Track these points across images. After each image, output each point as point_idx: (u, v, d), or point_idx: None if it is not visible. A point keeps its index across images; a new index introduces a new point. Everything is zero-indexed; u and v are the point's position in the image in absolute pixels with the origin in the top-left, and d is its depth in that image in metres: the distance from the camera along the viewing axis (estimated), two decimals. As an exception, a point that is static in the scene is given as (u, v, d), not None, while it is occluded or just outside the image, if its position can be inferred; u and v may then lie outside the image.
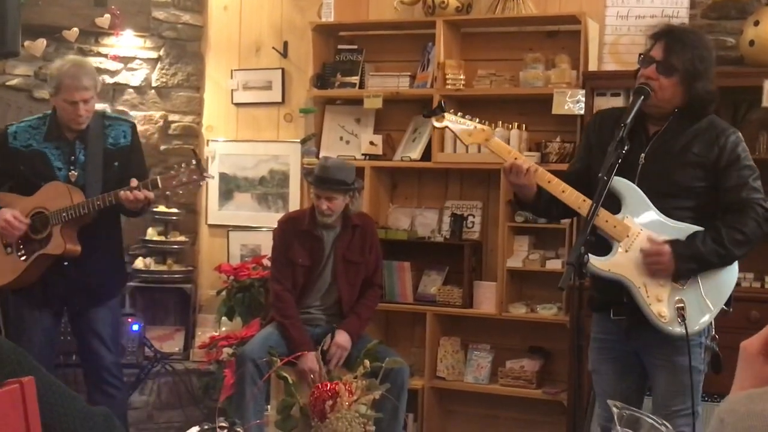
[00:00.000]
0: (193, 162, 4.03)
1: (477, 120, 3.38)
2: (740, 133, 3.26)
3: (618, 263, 3.17)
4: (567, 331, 4.74)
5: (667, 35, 3.21)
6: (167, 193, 4.13)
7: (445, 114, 3.38)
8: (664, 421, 1.93)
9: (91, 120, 4.15)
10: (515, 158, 3.28)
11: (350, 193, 4.49)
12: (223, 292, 5.29)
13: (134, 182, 3.99)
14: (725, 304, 3.19)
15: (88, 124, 4.15)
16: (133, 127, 4.35)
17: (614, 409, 1.91)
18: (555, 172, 3.33)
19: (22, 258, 4.11)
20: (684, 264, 3.13)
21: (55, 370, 4.38)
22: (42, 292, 4.17)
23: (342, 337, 4.40)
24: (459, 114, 3.38)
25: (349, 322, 4.49)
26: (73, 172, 4.14)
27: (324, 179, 4.44)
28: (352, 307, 4.54)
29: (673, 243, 3.14)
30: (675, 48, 3.17)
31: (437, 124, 3.46)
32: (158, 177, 4.07)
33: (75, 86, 4.04)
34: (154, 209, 5.42)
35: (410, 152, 5.19)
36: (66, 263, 4.13)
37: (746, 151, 3.23)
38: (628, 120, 3.09)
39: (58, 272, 4.13)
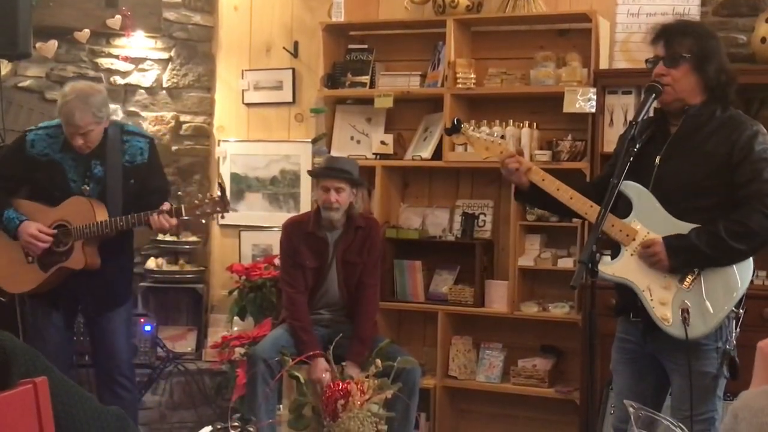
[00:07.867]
0: (218, 193, 4.11)
1: (494, 134, 3.41)
2: (762, 127, 3.14)
3: (623, 267, 3.15)
4: (579, 330, 4.73)
5: (664, 32, 3.19)
6: (187, 218, 4.14)
7: (462, 130, 3.43)
8: (680, 424, 1.92)
9: (109, 132, 4.18)
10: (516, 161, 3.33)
11: (355, 188, 4.48)
12: (235, 292, 5.29)
13: (167, 206, 4.06)
14: (735, 306, 3.07)
15: (107, 138, 4.16)
16: (151, 142, 4.33)
17: (630, 410, 1.91)
18: (567, 171, 3.34)
19: (43, 269, 4.19)
20: (677, 256, 3.06)
21: (70, 371, 4.42)
22: (56, 295, 4.25)
23: (352, 373, 4.16)
24: (475, 129, 3.41)
25: (355, 352, 4.34)
26: (86, 186, 4.19)
27: (331, 168, 4.48)
28: (355, 313, 4.50)
29: (667, 237, 3.09)
30: (674, 39, 3.15)
31: (457, 141, 3.53)
32: (182, 206, 4.12)
33: (67, 123, 4.08)
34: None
35: (421, 151, 5.19)
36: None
37: (765, 144, 3.09)
38: (639, 118, 3.06)
39: (70, 278, 4.20)
